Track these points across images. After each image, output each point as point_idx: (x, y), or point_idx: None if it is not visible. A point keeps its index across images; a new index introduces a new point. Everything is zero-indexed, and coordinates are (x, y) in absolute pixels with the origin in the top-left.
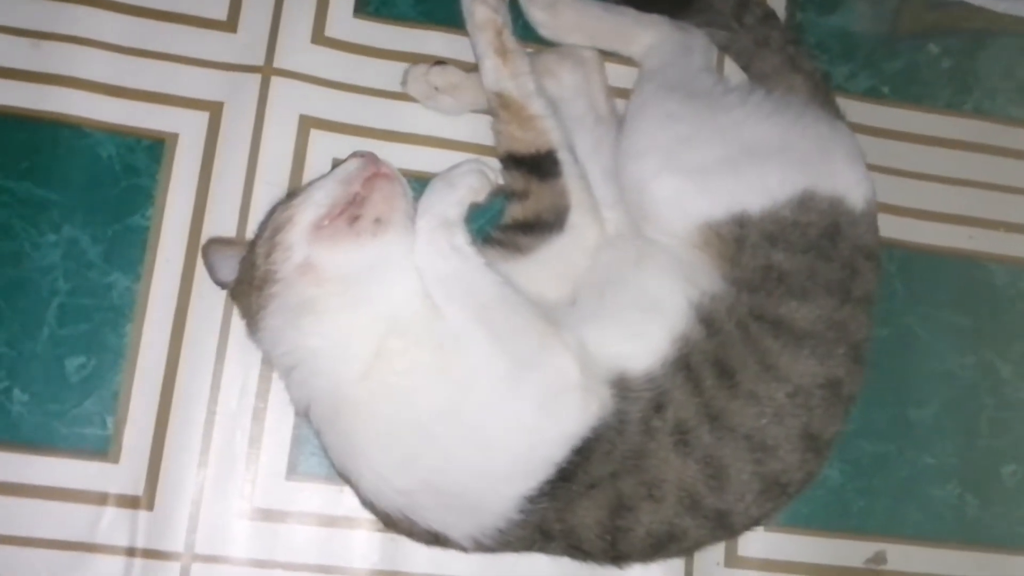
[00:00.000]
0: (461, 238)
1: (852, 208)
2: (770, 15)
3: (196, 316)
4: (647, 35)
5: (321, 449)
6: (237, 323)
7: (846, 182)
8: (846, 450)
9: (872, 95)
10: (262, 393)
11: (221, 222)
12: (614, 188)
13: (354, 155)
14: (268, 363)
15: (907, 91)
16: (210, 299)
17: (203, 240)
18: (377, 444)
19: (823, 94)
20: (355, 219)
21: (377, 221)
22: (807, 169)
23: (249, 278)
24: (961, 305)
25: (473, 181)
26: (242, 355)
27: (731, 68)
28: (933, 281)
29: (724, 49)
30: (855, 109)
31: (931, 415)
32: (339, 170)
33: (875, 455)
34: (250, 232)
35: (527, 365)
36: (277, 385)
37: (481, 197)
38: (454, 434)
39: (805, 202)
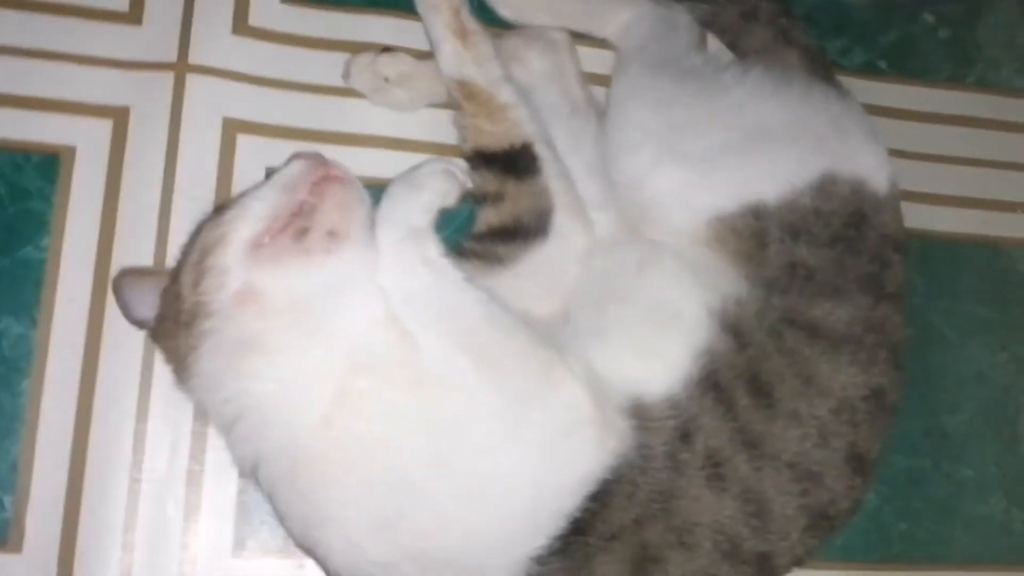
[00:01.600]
0: (433, 249)
1: (876, 192)
2: None
3: (109, 365)
4: (624, 11)
5: (275, 516)
6: (162, 370)
7: (867, 163)
8: (880, 468)
9: (869, 71)
10: (197, 453)
11: (135, 249)
12: (601, 185)
13: (296, 156)
14: (203, 416)
15: (906, 65)
16: (127, 343)
17: (113, 272)
18: (347, 506)
19: (822, 70)
20: (303, 233)
21: (330, 234)
22: (824, 150)
23: (174, 314)
24: (985, 296)
25: (440, 182)
26: (169, 409)
27: (715, 47)
28: (953, 272)
29: (707, 25)
30: (852, 87)
31: (965, 422)
32: (280, 175)
33: (910, 471)
34: (171, 258)
35: (528, 399)
36: (216, 442)
37: (450, 201)
38: (442, 489)
39: (826, 187)
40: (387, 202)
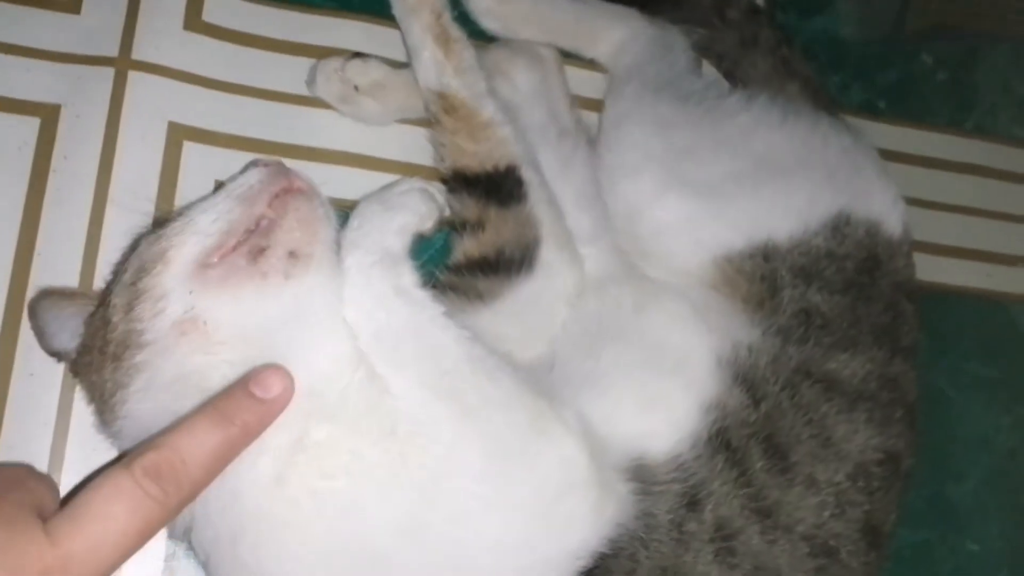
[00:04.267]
0: (408, 278)
1: (890, 236)
2: (756, 10)
3: (20, 403)
4: (617, 30)
5: None
6: (82, 410)
7: (881, 203)
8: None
9: (868, 110)
10: None
11: (57, 267)
12: (592, 216)
13: (254, 164)
14: None
15: (905, 106)
16: (42, 377)
17: (31, 293)
18: None
19: (824, 104)
20: (259, 253)
21: (291, 255)
22: (837, 187)
23: (101, 344)
24: (987, 354)
25: (418, 203)
26: (88, 454)
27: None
28: (955, 327)
29: (703, 51)
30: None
31: (970, 491)
32: (235, 185)
33: (916, 545)
34: (100, 280)
35: (514, 455)
36: None
37: (428, 225)
38: (414, 561)
39: (840, 228)
40: (357, 222)
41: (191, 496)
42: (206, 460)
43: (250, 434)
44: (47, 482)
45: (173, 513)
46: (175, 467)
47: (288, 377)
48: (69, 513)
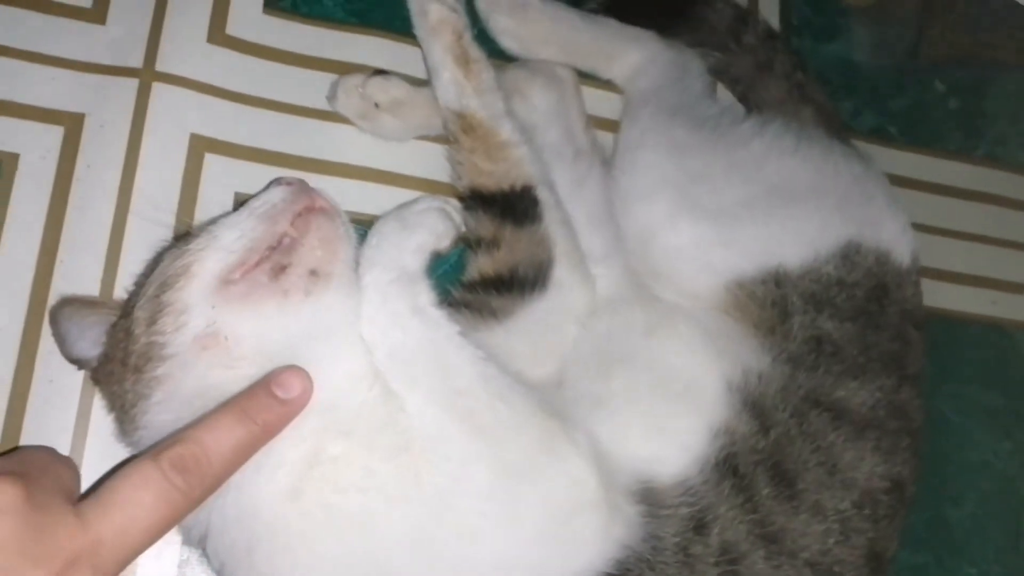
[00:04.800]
0: (425, 297)
1: (899, 264)
2: (773, 35)
3: (39, 408)
4: (634, 52)
5: None
6: (101, 418)
7: (891, 232)
8: None
9: (879, 136)
10: None
11: (78, 275)
12: (605, 237)
13: (277, 182)
14: None
15: (916, 133)
16: (61, 385)
17: (52, 300)
18: None
19: (837, 129)
20: (281, 270)
21: (312, 274)
22: (849, 215)
23: (123, 355)
24: (990, 381)
25: (436, 222)
26: (106, 462)
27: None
28: (958, 353)
29: (718, 74)
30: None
31: (968, 515)
32: (258, 202)
33: (914, 568)
34: (121, 289)
35: (524, 475)
36: None
37: (445, 244)
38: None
39: (850, 256)
40: (375, 240)
41: (212, 489)
42: (228, 456)
43: (270, 432)
44: (70, 465)
45: (195, 504)
46: (199, 461)
47: (308, 378)
48: (98, 499)
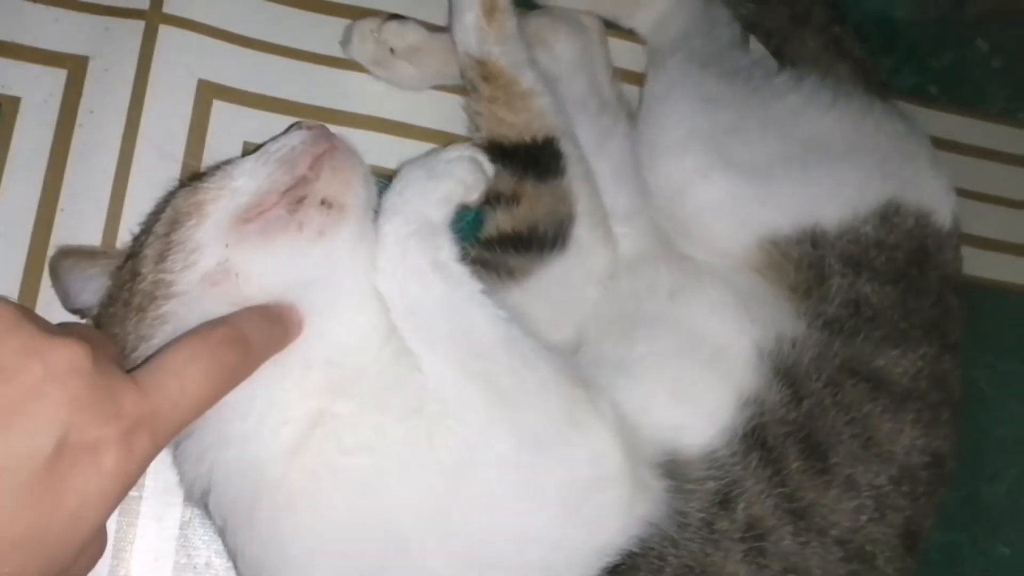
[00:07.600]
0: (447, 252)
1: (940, 227)
2: None
3: None
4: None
5: (224, 556)
6: None
7: (933, 192)
8: None
9: (919, 95)
10: None
11: (80, 224)
12: (629, 194)
13: (297, 126)
14: None
15: (958, 93)
16: None
17: (52, 249)
18: (314, 554)
19: (876, 87)
20: (298, 203)
21: (324, 203)
22: (889, 174)
23: (127, 295)
24: None
25: (464, 172)
26: None
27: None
28: (996, 324)
29: (751, 27)
30: (901, 111)
31: (1004, 492)
32: (277, 146)
33: (945, 547)
34: (123, 240)
35: (546, 445)
36: (159, 458)
37: (473, 197)
38: (433, 546)
39: (889, 217)
40: (398, 188)
41: (251, 371)
42: (261, 341)
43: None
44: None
45: (236, 383)
46: (244, 340)
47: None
48: (152, 371)
